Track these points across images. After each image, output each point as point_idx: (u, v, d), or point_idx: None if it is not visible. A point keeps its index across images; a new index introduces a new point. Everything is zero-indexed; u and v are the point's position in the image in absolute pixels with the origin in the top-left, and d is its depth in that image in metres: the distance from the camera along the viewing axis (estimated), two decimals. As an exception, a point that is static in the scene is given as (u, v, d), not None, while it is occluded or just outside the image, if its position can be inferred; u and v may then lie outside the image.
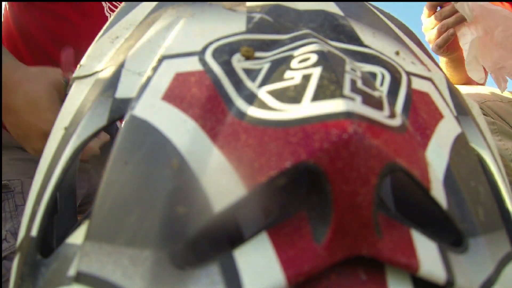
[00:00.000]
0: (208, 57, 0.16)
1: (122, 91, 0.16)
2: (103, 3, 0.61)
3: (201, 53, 0.17)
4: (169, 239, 0.12)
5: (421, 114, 0.16)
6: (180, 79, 0.16)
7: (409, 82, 0.18)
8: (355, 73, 0.15)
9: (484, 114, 0.52)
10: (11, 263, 0.39)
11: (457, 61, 0.62)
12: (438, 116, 0.17)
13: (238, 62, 0.16)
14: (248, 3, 0.21)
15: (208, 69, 0.16)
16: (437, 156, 0.15)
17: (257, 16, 0.19)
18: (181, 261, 0.12)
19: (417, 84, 0.18)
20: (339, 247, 0.12)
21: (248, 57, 0.16)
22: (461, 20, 0.52)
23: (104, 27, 0.22)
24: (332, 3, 0.22)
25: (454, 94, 0.20)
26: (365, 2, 0.24)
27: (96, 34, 0.21)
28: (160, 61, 0.16)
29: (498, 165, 0.18)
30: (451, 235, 0.14)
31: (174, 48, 0.17)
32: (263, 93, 0.14)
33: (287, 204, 0.13)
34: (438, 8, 0.56)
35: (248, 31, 0.18)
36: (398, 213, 0.14)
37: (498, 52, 0.52)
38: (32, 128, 0.40)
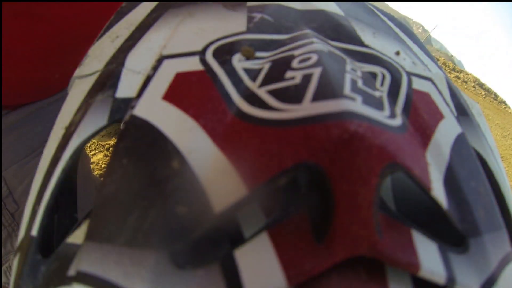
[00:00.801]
0: (209, 57, 0.16)
1: (123, 91, 0.16)
2: None
3: (201, 53, 0.17)
4: (169, 239, 0.12)
5: (421, 114, 0.16)
6: (181, 78, 0.16)
7: (409, 82, 0.18)
8: (355, 73, 0.15)
9: None
10: None
11: None
12: (439, 116, 0.17)
13: (239, 62, 0.16)
14: (249, 3, 0.21)
15: (208, 69, 0.16)
16: (437, 156, 0.15)
17: (258, 16, 0.19)
18: (182, 261, 0.12)
19: (418, 84, 0.18)
20: (339, 247, 0.12)
21: (248, 57, 0.16)
22: None
23: (105, 27, 0.22)
24: (332, 3, 0.22)
25: (455, 94, 0.20)
26: (366, 2, 0.24)
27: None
28: (160, 60, 0.16)
29: (498, 165, 0.18)
30: (451, 235, 0.14)
31: (175, 48, 0.17)
32: (263, 93, 0.14)
33: (287, 204, 0.13)
34: None
35: (249, 31, 0.18)
36: (398, 213, 0.14)
37: None
38: None
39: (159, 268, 0.12)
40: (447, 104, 0.18)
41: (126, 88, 0.16)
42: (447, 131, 0.17)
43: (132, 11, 0.21)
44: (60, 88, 0.50)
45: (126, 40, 0.19)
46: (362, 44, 0.19)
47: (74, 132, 0.16)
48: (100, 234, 0.13)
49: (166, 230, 0.12)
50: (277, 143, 0.12)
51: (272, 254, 0.12)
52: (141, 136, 0.14)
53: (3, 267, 0.46)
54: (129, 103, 0.16)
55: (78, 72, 0.19)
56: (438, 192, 0.14)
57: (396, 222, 0.13)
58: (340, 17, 0.20)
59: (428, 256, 0.13)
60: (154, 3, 0.21)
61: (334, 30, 0.19)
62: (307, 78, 0.14)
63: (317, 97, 0.13)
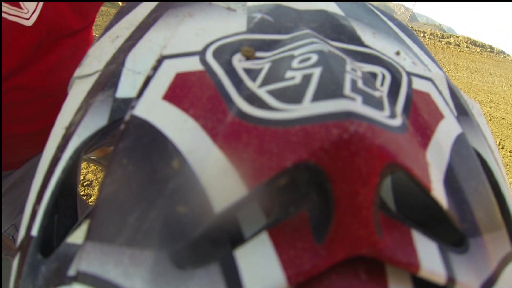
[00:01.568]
0: (209, 57, 0.16)
1: (123, 91, 0.16)
2: None
3: (202, 53, 0.17)
4: (169, 239, 0.12)
5: (421, 114, 0.16)
6: (181, 79, 0.16)
7: (409, 82, 0.18)
8: (355, 73, 0.15)
9: None
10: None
11: None
12: (439, 116, 0.17)
13: (239, 62, 0.16)
14: (249, 3, 0.21)
15: (208, 69, 0.16)
16: (437, 156, 0.15)
17: (258, 16, 0.19)
18: (182, 260, 0.12)
19: (418, 84, 0.18)
20: (339, 247, 0.12)
21: (248, 57, 0.16)
22: None
23: (105, 27, 0.22)
24: (332, 3, 0.22)
25: (455, 94, 0.20)
26: (366, 2, 0.24)
27: None
28: (160, 61, 0.16)
29: (498, 165, 0.18)
30: (451, 235, 0.14)
31: (175, 48, 0.17)
32: (263, 93, 0.14)
33: (287, 204, 0.13)
34: None
35: (249, 31, 0.18)
36: (398, 213, 0.14)
37: None
38: None
39: (159, 268, 0.12)
40: (447, 104, 0.18)
41: (126, 88, 0.16)
42: (447, 131, 0.17)
43: (132, 11, 0.21)
44: None
45: (126, 40, 0.19)
46: (362, 44, 0.19)
47: (74, 132, 0.16)
48: (100, 234, 0.13)
49: (166, 230, 0.12)
50: (277, 143, 0.12)
51: (272, 254, 0.12)
52: (141, 136, 0.14)
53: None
54: (129, 103, 0.16)
55: (78, 72, 0.19)
56: (438, 192, 0.14)
57: (396, 222, 0.13)
58: (340, 17, 0.20)
59: (428, 256, 0.13)
60: (154, 3, 0.21)
61: (334, 30, 0.19)
62: (307, 78, 0.14)
63: (317, 97, 0.13)
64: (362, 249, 0.12)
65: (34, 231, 0.16)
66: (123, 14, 0.21)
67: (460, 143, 0.16)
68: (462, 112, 0.19)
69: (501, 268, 0.14)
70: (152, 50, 0.17)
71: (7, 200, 0.55)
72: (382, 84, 0.17)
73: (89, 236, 0.13)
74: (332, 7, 0.21)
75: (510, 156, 2.29)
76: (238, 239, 0.13)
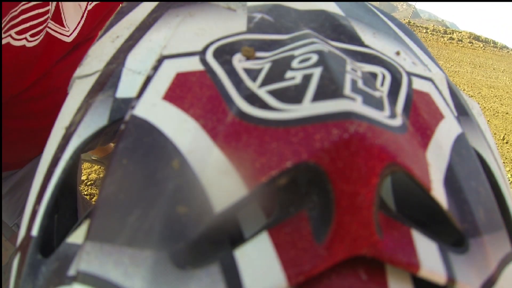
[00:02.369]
0: (209, 57, 0.16)
1: (123, 91, 0.16)
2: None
3: (202, 53, 0.17)
4: (169, 239, 0.12)
5: (421, 114, 0.16)
6: (181, 79, 0.16)
7: (409, 82, 0.18)
8: (355, 73, 0.15)
9: None
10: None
11: None
12: (439, 116, 0.17)
13: (239, 62, 0.16)
14: (249, 3, 0.21)
15: (209, 69, 0.16)
16: (437, 156, 0.15)
17: (258, 16, 0.19)
18: (182, 260, 0.12)
19: (418, 84, 0.18)
20: (339, 247, 0.12)
21: (248, 57, 0.16)
22: None
23: (105, 27, 0.22)
24: (332, 3, 0.22)
25: (455, 95, 0.20)
26: (366, 2, 0.24)
27: None
28: (161, 61, 0.16)
29: (498, 165, 0.18)
30: (451, 235, 0.14)
31: (175, 48, 0.17)
32: (264, 93, 0.14)
33: (287, 204, 0.13)
34: None
35: (249, 31, 0.18)
36: (398, 213, 0.14)
37: None
38: None
39: (159, 268, 0.12)
40: (447, 104, 0.18)
41: (126, 88, 0.16)
42: (447, 131, 0.17)
43: (132, 11, 0.21)
44: None
45: (127, 40, 0.19)
46: (362, 44, 0.19)
47: (74, 132, 0.16)
48: (100, 234, 0.13)
49: (166, 230, 0.12)
50: (277, 143, 0.12)
51: (272, 254, 0.12)
52: (141, 136, 0.14)
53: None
54: (129, 103, 0.16)
55: (78, 72, 0.19)
56: (438, 192, 0.14)
57: (396, 222, 0.13)
58: (340, 17, 0.20)
59: (428, 256, 0.13)
60: (154, 3, 0.21)
61: (334, 30, 0.19)
62: (307, 78, 0.14)
63: (317, 97, 0.13)
64: (362, 249, 0.12)
65: (34, 231, 0.16)
66: (123, 14, 0.21)
67: (460, 143, 0.16)
68: (462, 112, 0.19)
69: (501, 268, 0.14)
70: (152, 50, 0.17)
71: (10, 199, 0.56)
72: (382, 84, 0.17)
73: (89, 236, 0.13)
74: (332, 7, 0.21)
75: (515, 151, 2.28)
76: (238, 239, 0.13)
